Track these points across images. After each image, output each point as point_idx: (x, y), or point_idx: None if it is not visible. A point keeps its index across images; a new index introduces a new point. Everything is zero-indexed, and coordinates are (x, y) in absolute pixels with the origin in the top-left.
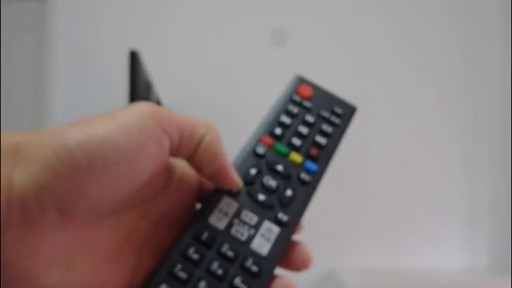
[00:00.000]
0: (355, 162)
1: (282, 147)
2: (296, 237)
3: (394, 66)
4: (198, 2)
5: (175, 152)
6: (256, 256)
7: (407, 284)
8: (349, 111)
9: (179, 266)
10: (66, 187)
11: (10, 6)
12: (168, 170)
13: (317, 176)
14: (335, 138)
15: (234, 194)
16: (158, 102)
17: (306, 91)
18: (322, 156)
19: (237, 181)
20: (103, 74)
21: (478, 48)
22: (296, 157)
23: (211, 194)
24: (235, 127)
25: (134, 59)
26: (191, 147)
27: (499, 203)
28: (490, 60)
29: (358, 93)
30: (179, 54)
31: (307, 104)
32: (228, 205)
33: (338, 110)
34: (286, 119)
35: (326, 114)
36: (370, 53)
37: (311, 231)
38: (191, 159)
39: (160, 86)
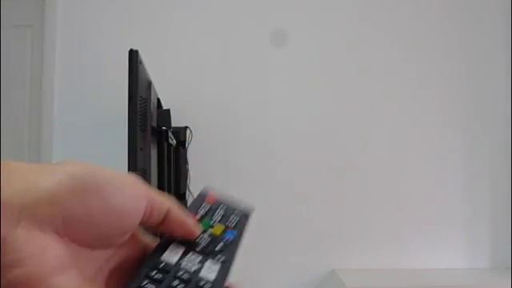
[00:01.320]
0: (355, 162)
1: (206, 222)
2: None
3: (394, 66)
4: (198, 2)
5: (145, 221)
6: (206, 280)
7: (407, 284)
8: (247, 211)
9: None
10: (75, 204)
11: (10, 5)
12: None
13: (237, 239)
14: (240, 227)
15: (175, 248)
16: (158, 102)
17: (213, 198)
18: (236, 228)
19: (199, 232)
20: (103, 74)
21: (478, 48)
22: (219, 227)
23: (160, 242)
24: (235, 126)
25: (134, 59)
26: (159, 218)
27: (500, 203)
28: (490, 60)
29: (359, 93)
30: (179, 54)
31: (214, 205)
32: (176, 248)
33: (240, 208)
34: (201, 212)
35: (231, 211)
36: (370, 53)
37: (312, 232)
38: (160, 226)
39: (160, 86)
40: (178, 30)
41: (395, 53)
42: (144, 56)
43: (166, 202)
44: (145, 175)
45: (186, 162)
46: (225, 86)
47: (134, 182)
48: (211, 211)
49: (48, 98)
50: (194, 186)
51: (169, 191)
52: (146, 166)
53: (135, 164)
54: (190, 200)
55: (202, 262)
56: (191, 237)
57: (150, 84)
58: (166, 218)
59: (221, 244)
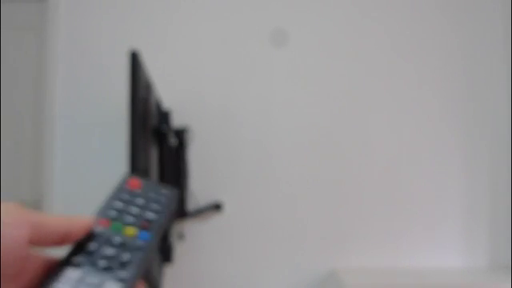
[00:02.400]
0: (355, 162)
1: (116, 225)
2: None
3: (394, 66)
4: (198, 2)
5: (39, 243)
6: None
7: (407, 284)
8: (172, 192)
9: None
10: None
11: (11, 6)
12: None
13: (150, 241)
14: (162, 213)
15: (77, 264)
16: (159, 103)
17: (135, 183)
18: (152, 227)
19: (92, 222)
20: (103, 74)
21: (478, 48)
22: (130, 230)
23: (55, 268)
24: (235, 126)
25: (134, 59)
26: (55, 238)
27: (499, 203)
28: (490, 60)
29: (359, 93)
30: (179, 55)
31: (137, 192)
32: (71, 274)
33: (164, 191)
34: (118, 204)
35: (153, 196)
36: (370, 53)
37: (312, 232)
38: (63, 243)
39: (160, 87)
40: (179, 31)
41: (396, 52)
42: (145, 57)
43: (60, 223)
44: (145, 175)
45: (186, 163)
46: (225, 87)
47: (15, 211)
48: (128, 203)
49: (50, 100)
50: (195, 187)
51: None
52: (146, 166)
53: (135, 164)
54: (190, 201)
55: (100, 285)
56: (88, 229)
57: (150, 85)
58: (66, 233)
59: (127, 255)
